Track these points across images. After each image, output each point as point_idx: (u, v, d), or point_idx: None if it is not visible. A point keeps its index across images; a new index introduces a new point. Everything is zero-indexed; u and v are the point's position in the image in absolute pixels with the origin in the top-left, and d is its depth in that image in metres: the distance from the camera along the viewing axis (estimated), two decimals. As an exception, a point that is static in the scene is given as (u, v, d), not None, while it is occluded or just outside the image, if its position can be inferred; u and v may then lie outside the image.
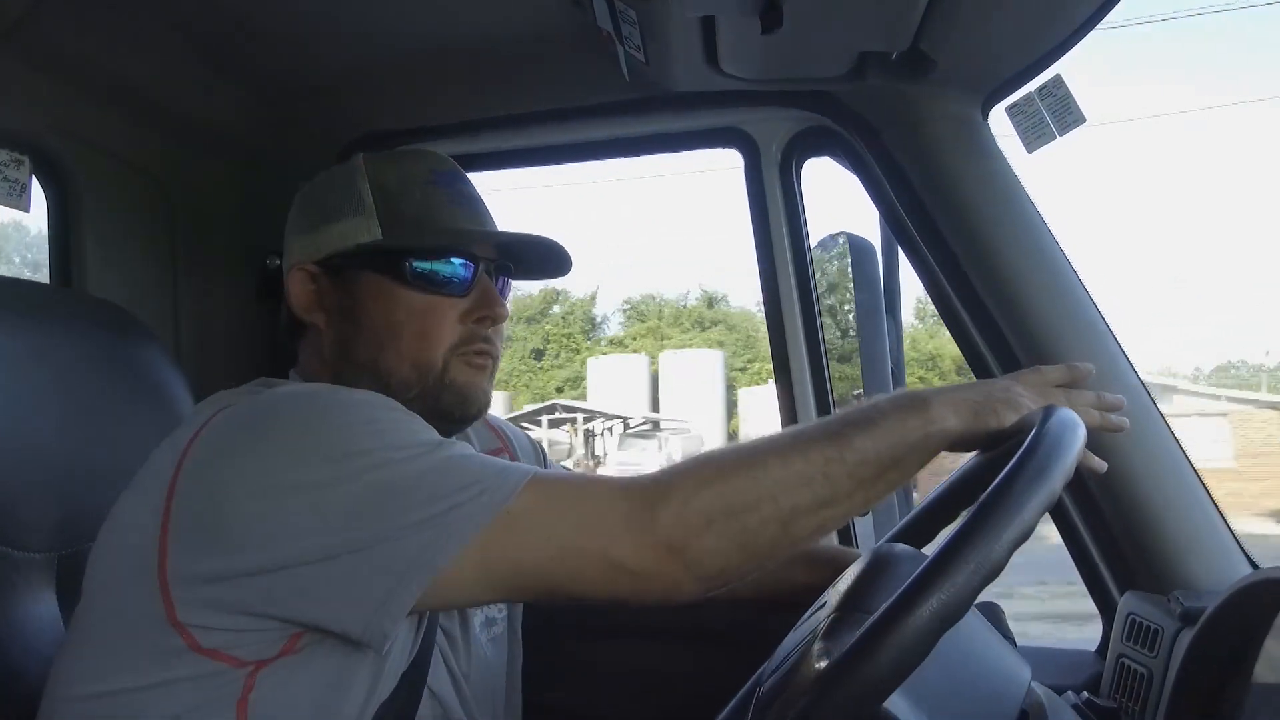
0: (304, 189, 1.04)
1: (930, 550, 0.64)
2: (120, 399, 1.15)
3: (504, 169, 1.60)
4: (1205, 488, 1.16)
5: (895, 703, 0.59)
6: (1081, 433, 0.68)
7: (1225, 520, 1.15)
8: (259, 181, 1.54)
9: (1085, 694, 0.92)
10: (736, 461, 0.80)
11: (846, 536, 1.43)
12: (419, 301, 0.95)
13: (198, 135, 1.52)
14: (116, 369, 1.16)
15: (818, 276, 1.53)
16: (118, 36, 1.25)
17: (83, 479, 1.07)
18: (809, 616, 0.74)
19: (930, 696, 0.60)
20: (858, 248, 1.51)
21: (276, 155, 1.53)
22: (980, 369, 1.30)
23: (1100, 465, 0.90)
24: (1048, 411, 0.70)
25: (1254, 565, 1.13)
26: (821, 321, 1.52)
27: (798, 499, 0.77)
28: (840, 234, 1.55)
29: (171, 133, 1.50)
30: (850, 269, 1.51)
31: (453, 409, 0.96)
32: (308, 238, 0.99)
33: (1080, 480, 1.21)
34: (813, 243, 1.53)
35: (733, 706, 0.83)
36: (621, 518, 0.77)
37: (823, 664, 0.53)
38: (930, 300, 1.36)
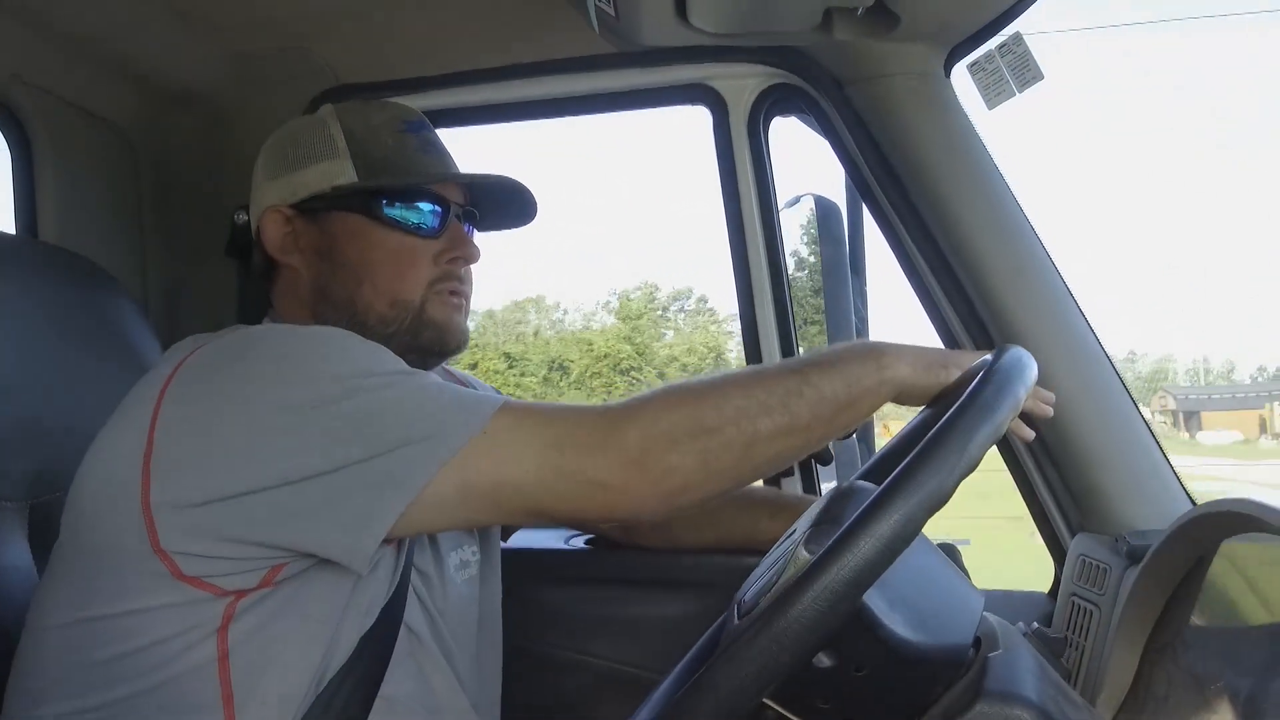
0: (273, 138, 1.06)
1: None
2: (89, 350, 1.14)
3: (470, 125, 1.58)
4: (1151, 432, 1.21)
5: (874, 600, 0.62)
6: (1034, 365, 0.73)
7: (1170, 463, 1.21)
8: (226, 134, 1.52)
9: (1035, 624, 0.96)
10: (703, 388, 0.84)
11: (810, 487, 1.47)
12: (394, 241, 0.98)
13: (164, 88, 1.50)
14: (84, 320, 1.15)
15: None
16: None
17: (52, 429, 1.06)
18: (779, 546, 0.77)
19: (902, 602, 0.64)
20: (823, 208, 1.54)
21: (243, 108, 1.51)
22: (940, 324, 1.34)
23: (1029, 434, 0.98)
24: (1002, 348, 0.75)
25: (1193, 503, 1.18)
26: (789, 279, 1.54)
27: (759, 425, 0.82)
28: (806, 195, 1.58)
29: (137, 85, 1.47)
30: (817, 228, 1.54)
31: (432, 344, 1.00)
32: (280, 182, 1.01)
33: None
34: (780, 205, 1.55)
35: (715, 627, 0.86)
36: (592, 434, 0.81)
37: (806, 556, 0.56)
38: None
